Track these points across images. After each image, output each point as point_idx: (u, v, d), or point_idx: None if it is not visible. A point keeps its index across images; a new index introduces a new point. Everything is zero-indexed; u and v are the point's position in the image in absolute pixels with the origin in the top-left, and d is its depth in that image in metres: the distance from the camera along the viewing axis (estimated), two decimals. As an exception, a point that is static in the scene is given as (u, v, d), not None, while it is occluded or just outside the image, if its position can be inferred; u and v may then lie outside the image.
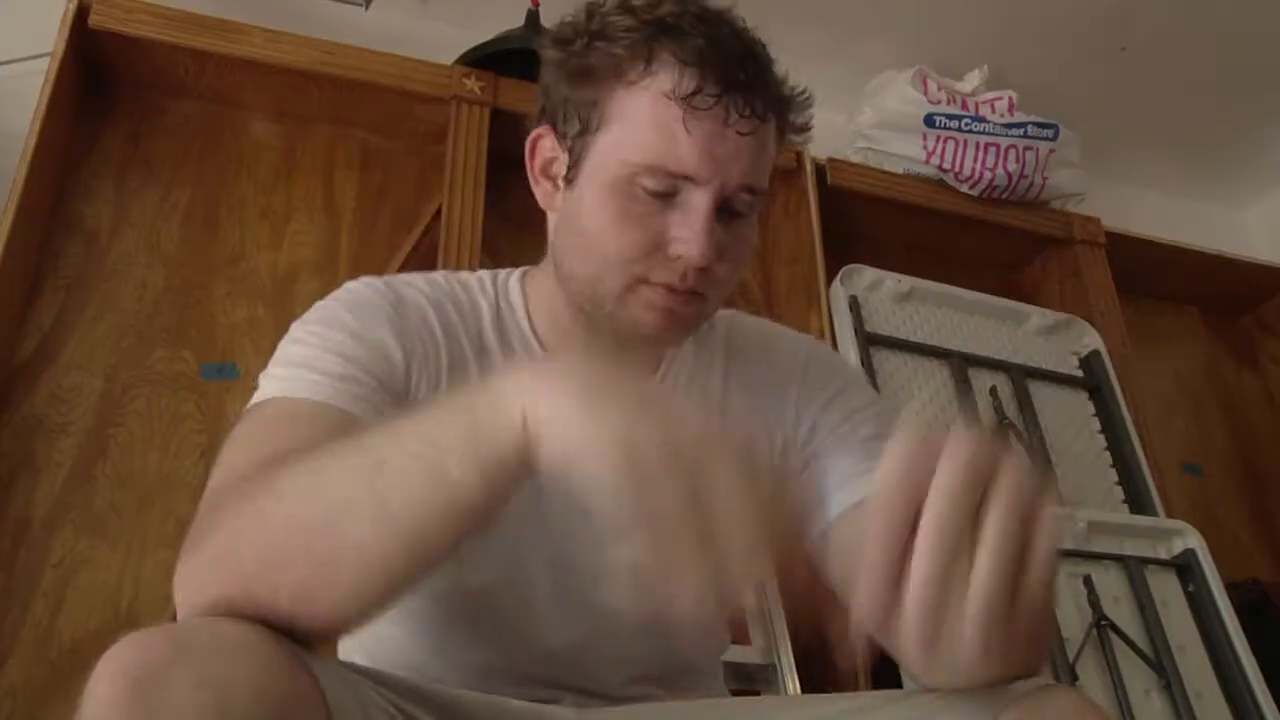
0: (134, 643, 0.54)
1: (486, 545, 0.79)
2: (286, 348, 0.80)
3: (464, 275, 0.92)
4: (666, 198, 0.78)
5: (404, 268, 1.78)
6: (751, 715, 0.87)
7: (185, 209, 1.76)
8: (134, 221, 1.72)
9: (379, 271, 1.74)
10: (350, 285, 0.86)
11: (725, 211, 0.80)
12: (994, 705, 0.64)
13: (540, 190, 0.87)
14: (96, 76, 1.77)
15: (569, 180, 0.83)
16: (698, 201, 0.78)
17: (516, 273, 0.93)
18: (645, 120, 0.78)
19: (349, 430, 0.65)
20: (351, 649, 0.89)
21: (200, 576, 0.61)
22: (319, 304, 0.84)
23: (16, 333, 1.58)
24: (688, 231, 0.77)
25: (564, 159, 0.84)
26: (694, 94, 0.76)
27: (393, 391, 0.78)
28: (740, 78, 0.78)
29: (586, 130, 0.81)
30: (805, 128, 0.86)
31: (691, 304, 0.81)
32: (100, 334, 1.62)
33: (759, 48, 0.81)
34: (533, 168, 0.87)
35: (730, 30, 0.80)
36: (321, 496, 0.58)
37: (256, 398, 0.77)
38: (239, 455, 0.70)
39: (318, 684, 0.57)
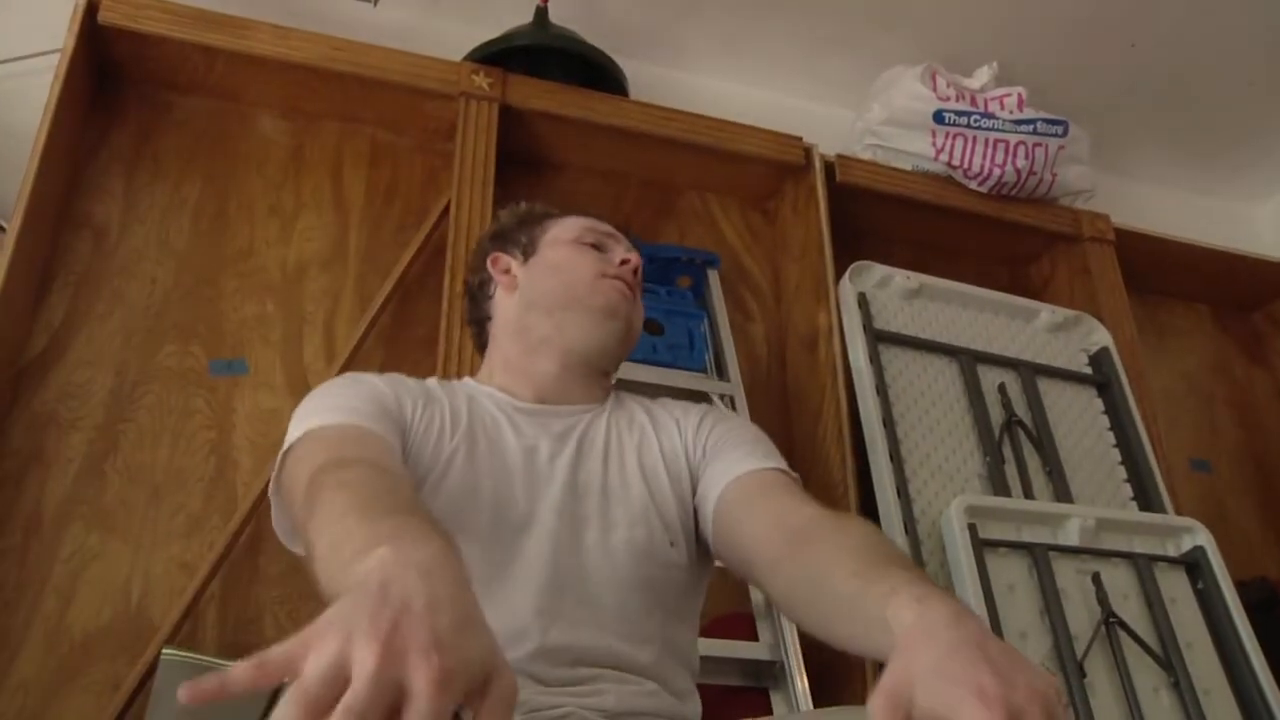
0: None
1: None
2: (301, 410, 1.03)
3: None
4: (598, 249, 1.20)
5: (413, 263, 1.79)
6: None
7: (194, 205, 1.77)
8: (143, 218, 1.73)
9: (388, 267, 1.78)
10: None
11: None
12: None
13: (503, 281, 1.22)
14: (106, 73, 1.77)
15: (526, 259, 1.22)
16: (615, 243, 1.23)
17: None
18: (573, 221, 1.24)
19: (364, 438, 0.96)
20: None
21: (291, 520, 0.94)
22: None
23: (27, 329, 1.59)
24: (618, 251, 1.22)
25: (518, 259, 1.23)
26: (593, 217, 1.26)
27: (388, 408, 1.03)
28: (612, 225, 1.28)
29: (533, 241, 1.23)
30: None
31: (635, 293, 1.20)
32: (110, 330, 1.63)
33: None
34: (496, 271, 1.23)
35: None
36: (324, 524, 0.79)
37: (291, 438, 0.98)
38: (315, 452, 0.93)
39: None
